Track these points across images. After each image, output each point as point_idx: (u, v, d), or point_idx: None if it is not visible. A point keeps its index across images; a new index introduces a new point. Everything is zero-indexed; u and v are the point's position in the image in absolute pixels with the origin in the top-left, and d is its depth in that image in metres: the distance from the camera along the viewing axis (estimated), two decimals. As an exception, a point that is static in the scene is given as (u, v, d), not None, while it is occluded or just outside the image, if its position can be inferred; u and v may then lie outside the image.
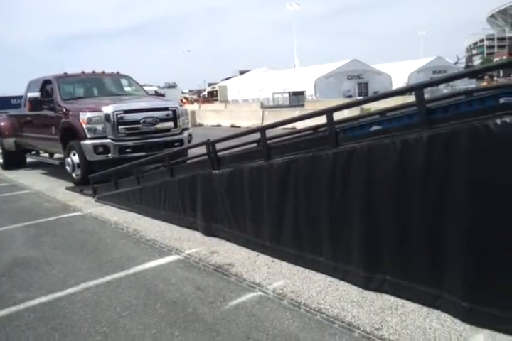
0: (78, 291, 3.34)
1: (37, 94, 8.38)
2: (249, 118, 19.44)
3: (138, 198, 5.65)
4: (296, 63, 62.25)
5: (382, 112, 3.81)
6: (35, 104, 8.35)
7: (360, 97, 31.83)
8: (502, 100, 2.56)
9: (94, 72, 9.32)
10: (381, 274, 2.84)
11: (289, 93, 40.83)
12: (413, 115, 2.99)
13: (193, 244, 4.23)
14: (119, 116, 7.19)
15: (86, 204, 6.36)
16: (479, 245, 2.40)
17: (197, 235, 4.47)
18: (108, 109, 7.19)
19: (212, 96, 54.11)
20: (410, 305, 2.66)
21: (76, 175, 7.66)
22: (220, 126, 21.21)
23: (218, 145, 4.39)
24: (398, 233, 2.77)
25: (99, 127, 7.17)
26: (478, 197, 2.37)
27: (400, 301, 2.72)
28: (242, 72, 70.06)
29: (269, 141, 3.93)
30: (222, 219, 4.22)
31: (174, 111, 7.80)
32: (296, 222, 3.45)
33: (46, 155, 10.12)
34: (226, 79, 67.79)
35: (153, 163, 5.96)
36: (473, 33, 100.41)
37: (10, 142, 10.46)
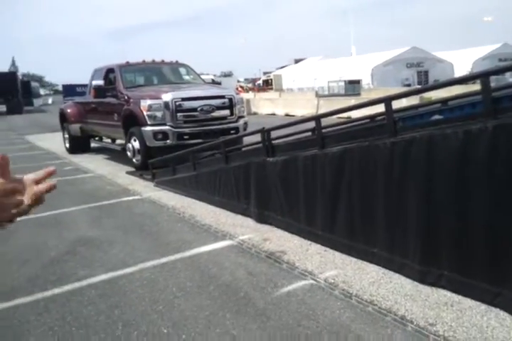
0: (136, 271, 3.50)
1: (101, 82, 8.70)
2: (304, 107, 19.27)
3: (194, 184, 5.79)
4: (353, 51, 60.79)
5: (444, 101, 3.68)
6: (99, 91, 8.65)
7: (420, 86, 30.65)
8: None
9: (154, 60, 9.56)
10: (438, 269, 2.77)
11: (345, 81, 39.95)
12: (477, 104, 2.87)
13: (246, 230, 4.30)
14: (177, 103, 7.37)
15: (145, 189, 6.60)
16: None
17: (250, 222, 4.54)
18: (167, 97, 7.38)
19: (267, 85, 54.00)
20: (467, 302, 2.58)
21: (136, 160, 7.92)
22: (274, 114, 21.17)
23: (273, 134, 4.41)
24: (458, 226, 2.68)
25: (159, 114, 7.37)
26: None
27: (457, 297, 2.64)
28: (297, 61, 69.28)
29: (323, 130, 3.90)
30: (275, 207, 4.25)
31: (230, 99, 7.90)
32: (350, 212, 3.42)
33: (109, 140, 10.64)
34: (281, 67, 67.33)
35: (209, 150, 6.08)
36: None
37: (76, 128, 10.91)
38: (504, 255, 2.45)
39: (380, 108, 3.37)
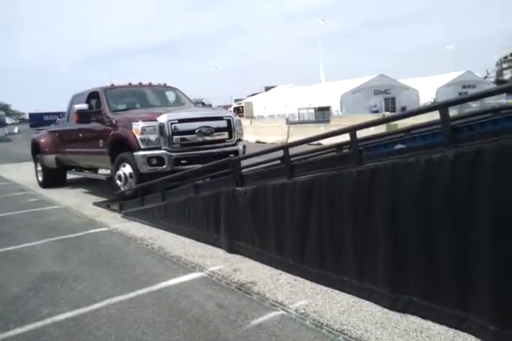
0: (103, 307, 3.38)
1: (84, 106, 8.01)
2: (275, 134, 19.53)
3: (163, 214, 5.72)
4: (322, 78, 62.35)
5: (407, 130, 3.80)
6: (82, 116, 7.92)
7: (387, 112, 31.50)
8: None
9: (140, 83, 9.04)
10: (407, 295, 2.79)
11: (315, 108, 40.79)
12: (438, 134, 2.97)
13: (216, 260, 4.24)
14: (173, 125, 6.78)
15: (112, 220, 6.48)
16: (509, 268, 2.33)
17: (220, 252, 4.49)
18: (162, 119, 6.78)
19: (238, 112, 54.53)
20: (436, 328, 2.60)
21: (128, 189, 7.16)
22: (246, 141, 21.32)
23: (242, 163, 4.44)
24: (424, 253, 2.72)
25: (153, 137, 6.74)
26: (508, 217, 2.32)
27: (426, 323, 2.66)
28: (267, 88, 70.53)
29: (292, 159, 3.95)
30: (246, 237, 4.23)
31: (229, 121, 7.41)
32: (319, 240, 3.43)
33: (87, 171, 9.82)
34: (252, 95, 68.35)
35: (178, 180, 6.02)
36: (504, 46, 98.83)
37: (51, 159, 10.16)
38: (469, 281, 2.49)
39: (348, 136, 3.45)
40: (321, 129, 18.34)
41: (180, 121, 6.87)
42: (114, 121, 7.42)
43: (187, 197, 5.20)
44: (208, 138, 7.10)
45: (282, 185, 3.80)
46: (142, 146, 6.75)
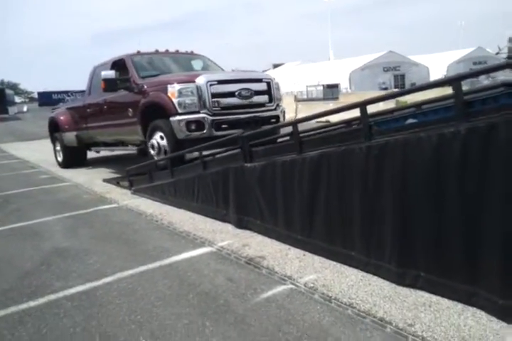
0: (114, 281, 3.44)
1: (112, 73, 7.29)
2: (283, 112, 19.36)
3: (172, 191, 5.74)
4: (331, 55, 61.48)
5: (418, 105, 3.73)
6: (110, 83, 7.21)
7: (396, 90, 31.12)
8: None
9: (167, 50, 8.48)
10: (415, 270, 2.79)
11: (323, 86, 40.35)
12: (450, 108, 2.92)
13: (225, 236, 4.27)
14: (212, 87, 6.22)
15: (122, 197, 6.53)
16: (519, 241, 2.32)
17: (229, 227, 4.51)
18: (200, 80, 6.19)
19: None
20: (444, 302, 2.61)
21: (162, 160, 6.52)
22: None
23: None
24: (433, 228, 2.71)
25: (191, 100, 6.16)
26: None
27: (434, 298, 2.67)
28: (275, 66, 69.65)
29: (301, 135, 3.91)
30: (254, 212, 4.24)
31: (268, 84, 6.84)
32: (327, 215, 3.43)
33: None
34: (260, 72, 67.57)
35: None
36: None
37: (71, 137, 9.74)
38: (478, 255, 2.48)
39: (358, 112, 3.40)
40: (330, 106, 18.18)
41: (219, 82, 6.33)
42: (145, 87, 6.89)
43: (196, 174, 5.20)
44: (247, 101, 6.54)
45: (291, 161, 3.78)
46: (179, 110, 6.16)
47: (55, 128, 10.44)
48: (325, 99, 31.84)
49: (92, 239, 4.61)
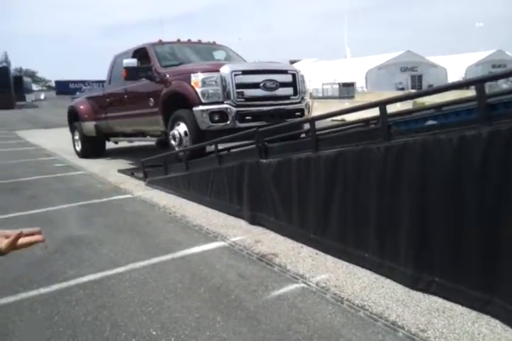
0: (126, 271, 3.46)
1: (133, 61, 7.15)
2: (298, 109, 19.26)
3: (186, 184, 5.76)
4: (347, 54, 60.93)
5: (438, 106, 3.68)
6: (131, 71, 7.04)
7: (413, 90, 30.79)
8: None
9: (189, 40, 8.34)
10: (429, 275, 2.76)
11: (339, 84, 40.06)
12: (472, 110, 2.87)
13: (238, 231, 4.27)
14: (237, 77, 6.04)
15: (136, 188, 6.56)
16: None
17: (242, 223, 4.51)
18: (225, 69, 6.03)
19: (261, 85, 53.96)
20: (458, 309, 2.57)
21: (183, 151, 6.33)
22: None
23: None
24: (450, 233, 2.67)
25: (215, 90, 6.00)
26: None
27: (448, 303, 2.63)
28: (292, 62, 69.14)
29: (318, 132, 3.88)
30: (268, 209, 4.22)
31: (294, 76, 6.64)
32: (342, 215, 3.41)
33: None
34: (276, 68, 67.22)
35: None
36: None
37: (90, 126, 9.70)
38: (495, 262, 2.44)
39: (374, 112, 3.37)
40: (346, 105, 18.05)
41: (244, 72, 6.14)
42: (167, 76, 6.74)
43: (210, 168, 5.21)
44: (272, 93, 6.35)
45: (307, 158, 3.76)
46: (203, 100, 5.99)
47: (74, 118, 10.38)
48: (341, 97, 31.63)
49: (106, 228, 4.64)
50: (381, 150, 3.05)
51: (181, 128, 6.40)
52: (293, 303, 2.81)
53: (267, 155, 4.29)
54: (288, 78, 6.58)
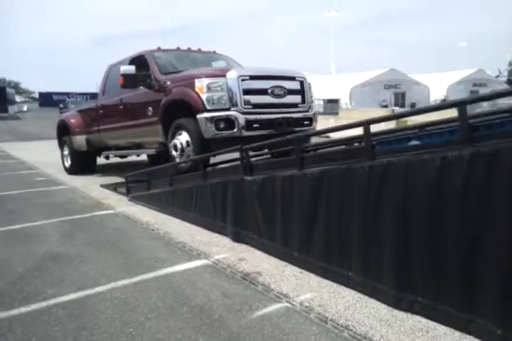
0: (107, 290, 3.39)
1: (132, 68, 6.74)
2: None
3: (170, 200, 5.72)
4: (333, 70, 61.78)
5: (422, 126, 3.75)
6: (129, 78, 6.71)
7: (397, 107, 31.30)
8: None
9: (189, 48, 8.03)
10: (412, 294, 2.77)
11: (324, 100, 40.48)
12: (454, 131, 2.93)
13: (221, 249, 4.24)
14: (245, 82, 5.72)
15: (119, 203, 6.50)
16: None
17: (226, 240, 4.48)
18: (232, 74, 5.69)
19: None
20: (442, 328, 2.58)
21: (185, 162, 5.98)
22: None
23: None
24: (432, 252, 2.69)
25: (221, 96, 5.63)
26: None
27: (432, 323, 2.64)
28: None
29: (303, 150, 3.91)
30: (252, 227, 4.21)
31: (302, 83, 6.35)
32: (326, 234, 3.41)
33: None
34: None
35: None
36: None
37: (81, 140, 9.36)
38: (476, 283, 2.46)
39: (360, 130, 3.40)
40: (331, 122, 18.26)
41: (252, 77, 5.81)
42: (168, 83, 6.41)
43: (195, 184, 5.19)
44: (280, 100, 6.03)
45: (292, 176, 3.77)
46: (208, 107, 5.61)
47: (64, 132, 10.00)
48: (325, 113, 31.91)
49: (87, 245, 4.57)
50: (365, 169, 3.08)
51: (183, 137, 6.03)
52: (277, 324, 2.78)
53: (251, 172, 4.30)
54: (296, 85, 6.30)
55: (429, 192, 2.69)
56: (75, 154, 9.58)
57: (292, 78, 6.29)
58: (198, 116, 5.66)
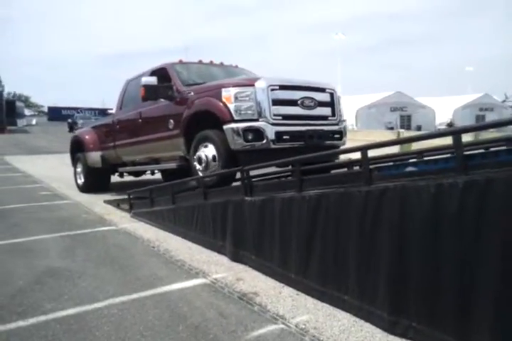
0: (105, 306, 3.42)
1: (153, 79, 6.59)
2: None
3: (171, 218, 5.77)
4: (339, 91, 62.37)
5: (419, 152, 3.82)
6: (150, 90, 6.53)
7: (402, 130, 31.44)
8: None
9: (211, 61, 7.84)
10: (407, 320, 2.78)
11: (330, 121, 40.72)
12: (449, 159, 3.00)
13: (220, 268, 4.27)
14: (274, 92, 5.49)
15: (122, 219, 6.56)
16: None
17: (225, 260, 4.52)
18: (261, 84, 5.44)
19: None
20: (434, 355, 2.59)
21: (210, 177, 5.56)
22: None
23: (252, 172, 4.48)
24: (426, 278, 2.72)
25: (249, 106, 5.39)
26: (513, 250, 2.32)
27: (424, 349, 2.65)
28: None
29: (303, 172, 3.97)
30: (251, 247, 4.25)
31: (332, 95, 6.14)
32: (323, 257, 3.44)
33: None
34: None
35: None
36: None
37: (95, 157, 9.11)
38: (470, 310, 2.49)
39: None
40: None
41: (281, 87, 5.59)
42: (191, 93, 6.18)
43: (196, 203, 5.25)
44: (310, 112, 5.79)
45: (290, 198, 3.83)
46: (236, 117, 5.38)
47: (77, 148, 9.79)
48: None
49: (87, 261, 4.61)
50: (362, 194, 3.14)
51: (209, 150, 5.72)
52: (271, 345, 2.80)
53: (251, 193, 4.36)
54: (326, 97, 6.08)
55: (424, 218, 2.73)
56: (88, 171, 9.29)
57: (322, 90, 6.07)
58: (225, 126, 5.43)
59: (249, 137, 5.32)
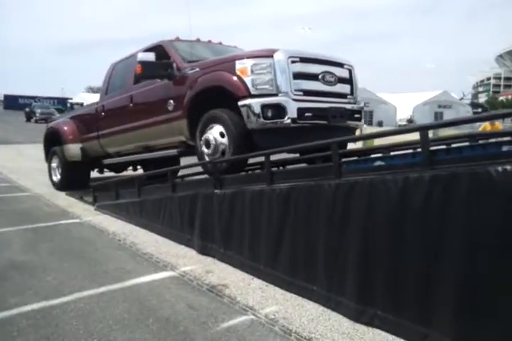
0: (71, 300, 3.36)
1: (151, 55, 5.76)
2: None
3: (137, 210, 5.70)
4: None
5: (387, 148, 3.93)
6: (148, 67, 5.71)
7: (364, 125, 32.09)
8: (505, 148, 2.68)
9: (210, 41, 7.14)
10: (372, 308, 2.88)
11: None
12: (416, 154, 3.11)
13: (188, 261, 4.27)
14: (295, 65, 4.85)
15: (85, 212, 6.42)
16: (472, 288, 2.45)
17: (193, 252, 4.52)
18: (280, 55, 4.76)
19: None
20: (400, 341, 2.70)
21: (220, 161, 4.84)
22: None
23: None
24: (391, 268, 2.82)
25: (268, 80, 4.72)
26: (474, 242, 2.44)
27: (391, 336, 2.75)
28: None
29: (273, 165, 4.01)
30: (219, 240, 4.26)
31: (350, 71, 5.55)
32: (292, 248, 3.51)
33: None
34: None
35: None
36: (481, 70, 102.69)
37: (74, 149, 8.17)
38: (432, 298, 2.60)
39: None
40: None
41: (302, 60, 4.96)
42: (197, 69, 5.43)
43: (164, 196, 5.20)
44: (331, 88, 5.23)
45: (261, 191, 3.86)
46: (252, 92, 4.70)
47: (53, 142, 8.76)
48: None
49: (51, 254, 4.50)
50: (332, 187, 3.21)
51: (217, 131, 4.98)
52: (242, 335, 2.84)
53: (221, 186, 4.37)
54: (345, 73, 5.50)
55: (391, 210, 2.83)
56: (66, 166, 8.34)
57: (341, 65, 5.49)
58: (241, 102, 4.74)
59: (269, 114, 4.68)
